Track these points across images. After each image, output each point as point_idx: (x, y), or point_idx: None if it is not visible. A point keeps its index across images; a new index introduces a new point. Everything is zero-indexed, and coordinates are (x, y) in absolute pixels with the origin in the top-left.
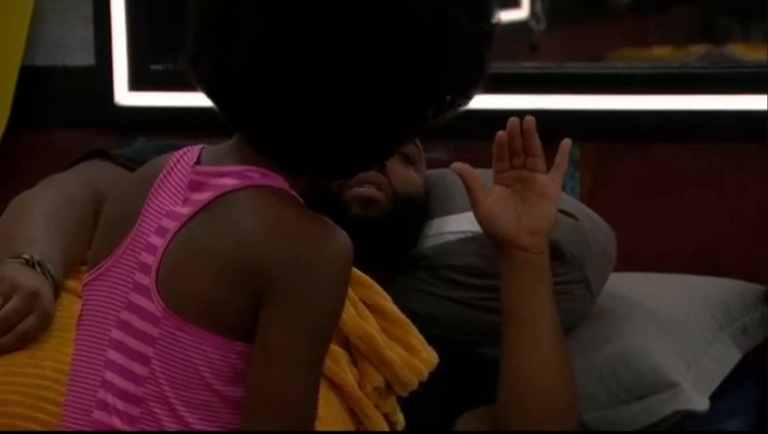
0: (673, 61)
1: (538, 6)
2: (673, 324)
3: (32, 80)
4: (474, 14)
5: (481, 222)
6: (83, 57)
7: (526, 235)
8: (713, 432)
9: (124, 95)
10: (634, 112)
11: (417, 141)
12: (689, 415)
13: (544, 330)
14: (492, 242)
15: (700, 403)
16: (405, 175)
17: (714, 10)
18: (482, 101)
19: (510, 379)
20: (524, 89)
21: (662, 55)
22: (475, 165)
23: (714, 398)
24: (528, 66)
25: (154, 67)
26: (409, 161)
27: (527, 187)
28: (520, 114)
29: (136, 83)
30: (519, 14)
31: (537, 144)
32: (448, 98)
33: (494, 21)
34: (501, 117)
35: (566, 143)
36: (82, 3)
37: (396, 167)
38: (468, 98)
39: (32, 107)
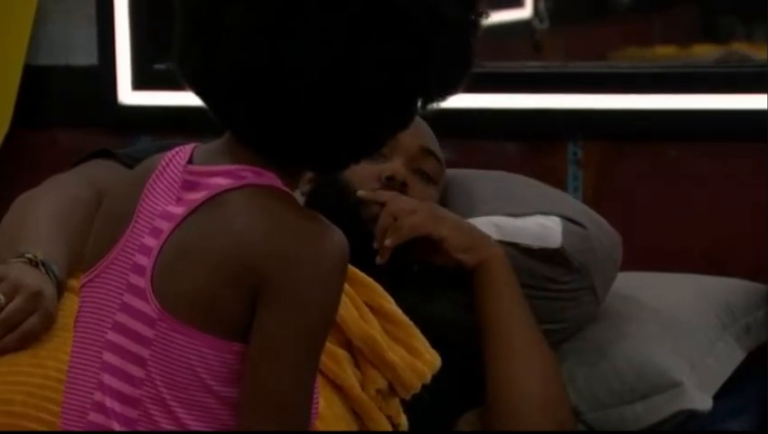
0: (676, 60)
1: (542, 6)
2: (677, 323)
3: (36, 79)
4: (462, 6)
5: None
6: (86, 57)
7: (454, 259)
8: (717, 432)
9: (127, 95)
10: (637, 111)
11: (441, 158)
12: (693, 415)
13: (514, 334)
14: (468, 264)
15: (704, 403)
16: (424, 195)
17: (717, 9)
18: (486, 101)
19: (490, 385)
20: (527, 89)
21: (665, 55)
22: (479, 164)
23: (717, 397)
24: (531, 65)
25: (157, 66)
26: (430, 180)
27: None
28: (523, 113)
29: (140, 83)
30: (522, 13)
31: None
32: (437, 89)
33: (480, 11)
34: (504, 116)
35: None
36: (85, 2)
37: (416, 186)
38: (456, 88)
39: (35, 106)
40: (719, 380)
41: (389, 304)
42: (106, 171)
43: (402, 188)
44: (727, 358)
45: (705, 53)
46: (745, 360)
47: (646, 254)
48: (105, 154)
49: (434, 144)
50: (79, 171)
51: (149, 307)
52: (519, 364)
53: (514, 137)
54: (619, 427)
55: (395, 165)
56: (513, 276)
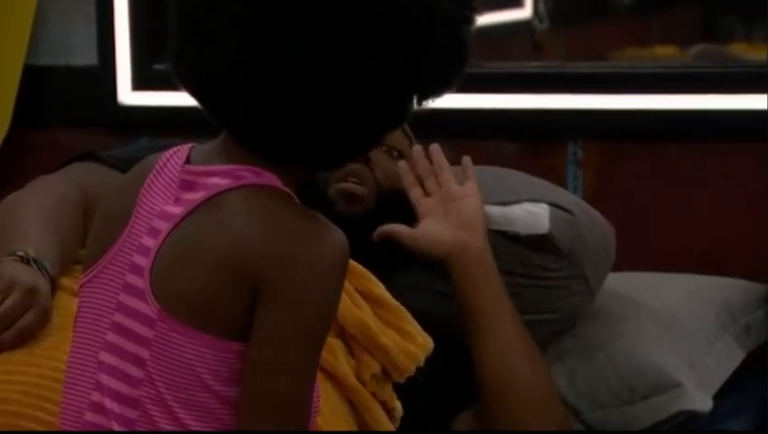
0: (676, 60)
1: (541, 6)
2: (676, 324)
3: (36, 79)
4: (459, 5)
5: (424, 249)
6: (86, 57)
7: (461, 231)
8: (716, 432)
9: (127, 95)
10: (637, 111)
11: (411, 134)
12: (693, 415)
13: (500, 325)
14: (438, 256)
15: (703, 403)
16: (390, 169)
17: (717, 9)
18: (485, 101)
19: (482, 378)
20: (527, 89)
21: (665, 55)
22: (479, 164)
23: (717, 397)
24: (531, 66)
25: (156, 67)
26: (399, 154)
27: (445, 201)
28: (523, 113)
29: (139, 83)
30: (522, 13)
31: (443, 161)
32: (434, 86)
33: (474, 7)
34: (504, 116)
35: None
36: (85, 2)
37: (381, 160)
38: (452, 86)
39: (35, 107)
40: (719, 380)
41: (379, 289)
42: (91, 172)
43: (366, 162)
44: (727, 358)
45: None
46: (745, 360)
47: (646, 254)
48: (89, 156)
49: None
50: (66, 172)
51: (148, 308)
52: (512, 362)
53: (514, 138)
54: (618, 427)
55: None
56: (496, 271)
